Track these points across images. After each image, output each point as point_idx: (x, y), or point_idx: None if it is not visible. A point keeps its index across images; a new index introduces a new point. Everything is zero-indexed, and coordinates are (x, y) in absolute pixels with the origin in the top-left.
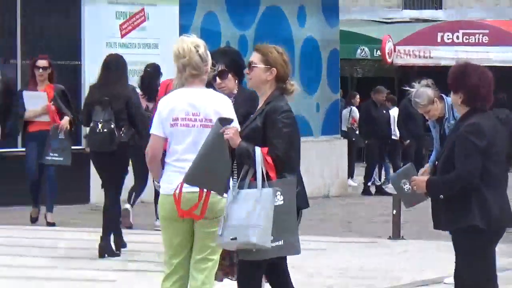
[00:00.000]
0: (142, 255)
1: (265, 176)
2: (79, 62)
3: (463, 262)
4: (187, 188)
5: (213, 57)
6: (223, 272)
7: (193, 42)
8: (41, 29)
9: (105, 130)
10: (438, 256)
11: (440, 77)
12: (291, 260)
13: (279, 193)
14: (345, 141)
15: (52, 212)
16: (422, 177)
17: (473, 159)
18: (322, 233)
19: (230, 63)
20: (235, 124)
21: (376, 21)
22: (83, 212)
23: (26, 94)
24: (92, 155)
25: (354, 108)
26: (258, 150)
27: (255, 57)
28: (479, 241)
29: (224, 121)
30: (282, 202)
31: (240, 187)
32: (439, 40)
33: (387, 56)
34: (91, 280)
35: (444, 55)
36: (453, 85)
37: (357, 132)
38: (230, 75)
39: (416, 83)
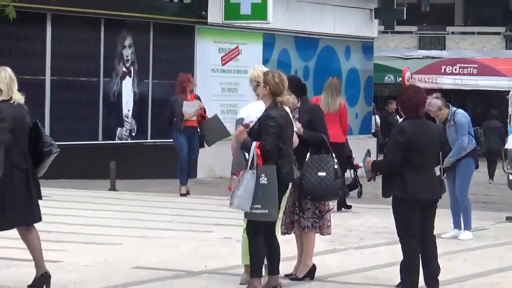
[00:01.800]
0: None
1: (255, 162)
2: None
3: (395, 221)
4: None
5: None
6: (285, 227)
7: (262, 70)
8: (167, 59)
9: None
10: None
11: (443, 95)
12: (335, 220)
13: (263, 175)
14: (375, 139)
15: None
16: (370, 159)
17: (394, 151)
18: (358, 201)
19: (293, 86)
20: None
21: (399, 57)
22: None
23: (186, 103)
24: None
25: (377, 117)
26: (254, 143)
27: (260, 79)
28: (400, 207)
29: (239, 122)
30: (266, 182)
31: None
32: (442, 71)
33: (406, 81)
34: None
35: (446, 81)
36: (397, 99)
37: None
38: (293, 95)
39: (429, 96)
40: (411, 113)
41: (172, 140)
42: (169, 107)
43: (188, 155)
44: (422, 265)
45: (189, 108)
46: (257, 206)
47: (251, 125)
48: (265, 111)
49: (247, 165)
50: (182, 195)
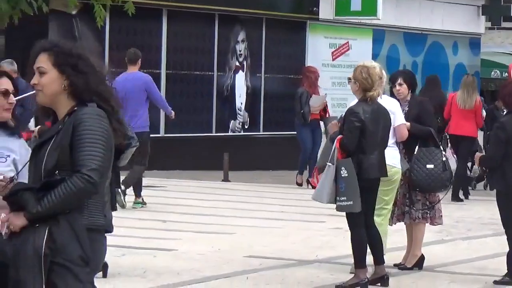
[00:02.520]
0: None
1: (335, 155)
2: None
3: (499, 213)
4: None
5: (396, 73)
6: (396, 217)
7: (372, 65)
8: (279, 54)
9: None
10: None
11: None
12: (443, 211)
13: (343, 168)
14: (481, 132)
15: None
16: (479, 154)
17: (495, 147)
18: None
19: (407, 78)
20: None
21: (505, 53)
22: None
23: (314, 97)
24: None
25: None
26: (337, 137)
27: (351, 75)
28: (503, 200)
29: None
30: (346, 174)
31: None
32: None
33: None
34: None
35: None
36: (499, 94)
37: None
38: (405, 85)
39: None
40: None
41: (295, 133)
42: (297, 99)
43: (312, 148)
44: None
45: (316, 102)
46: (342, 198)
47: None
48: (351, 106)
49: (330, 158)
50: (298, 184)
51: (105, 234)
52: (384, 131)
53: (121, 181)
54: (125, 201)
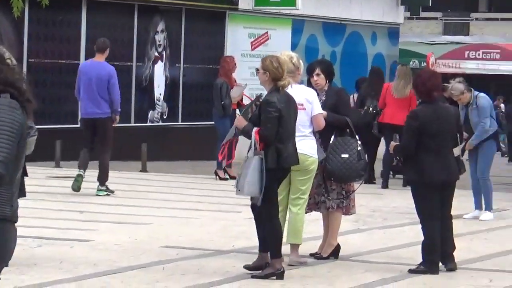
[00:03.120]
0: None
1: (257, 147)
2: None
3: (414, 203)
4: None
5: (313, 64)
6: (309, 207)
7: (288, 54)
8: (198, 44)
9: None
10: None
11: (466, 80)
12: (359, 201)
13: (264, 159)
14: None
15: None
16: (394, 143)
17: (408, 136)
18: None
19: (325, 68)
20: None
21: (424, 42)
22: None
23: (235, 88)
24: None
25: None
26: (254, 129)
27: (259, 65)
28: (418, 189)
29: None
30: (269, 166)
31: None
32: (466, 56)
33: (430, 66)
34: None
35: (469, 66)
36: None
37: None
38: (323, 76)
39: (452, 80)
40: (424, 97)
41: (213, 123)
42: (216, 90)
43: None
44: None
45: (236, 93)
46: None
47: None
48: (265, 96)
49: (250, 150)
50: (221, 179)
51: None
52: (294, 120)
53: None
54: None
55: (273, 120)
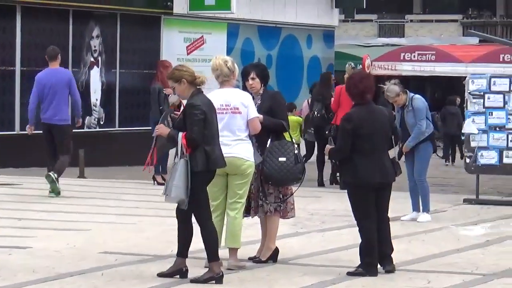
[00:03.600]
0: None
1: (184, 151)
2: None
3: (350, 205)
4: None
5: (248, 67)
6: (253, 211)
7: (223, 58)
8: (134, 49)
9: None
10: (396, 202)
11: (402, 82)
12: (297, 204)
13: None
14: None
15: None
16: (329, 146)
17: (342, 138)
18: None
19: (260, 72)
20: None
21: (359, 45)
22: None
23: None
24: None
25: None
26: (180, 134)
27: (170, 84)
28: (353, 191)
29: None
30: (197, 169)
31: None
32: (401, 58)
33: (366, 69)
34: None
35: (405, 68)
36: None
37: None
38: (258, 79)
39: (388, 82)
40: (357, 99)
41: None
42: (153, 96)
43: None
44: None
45: (174, 98)
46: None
47: (217, 112)
48: (188, 100)
49: (178, 155)
50: (159, 183)
51: None
52: (217, 122)
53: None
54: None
55: (199, 123)
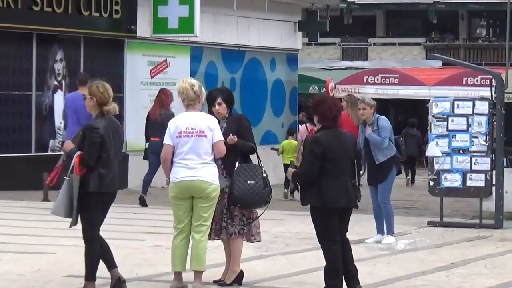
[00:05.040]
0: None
1: (73, 170)
2: (122, 94)
3: (315, 228)
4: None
5: (214, 93)
6: (214, 233)
7: (190, 82)
8: (98, 72)
9: None
10: (360, 225)
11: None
12: (261, 227)
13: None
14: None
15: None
16: (292, 169)
17: (310, 161)
18: (284, 208)
19: (226, 97)
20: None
21: (323, 68)
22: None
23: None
24: None
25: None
26: (77, 153)
27: (86, 92)
28: (318, 214)
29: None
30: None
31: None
32: (365, 81)
33: (330, 92)
34: None
35: (368, 91)
36: (312, 110)
37: None
38: (224, 105)
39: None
40: (329, 123)
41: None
42: (163, 120)
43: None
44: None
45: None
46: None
47: (182, 135)
48: (90, 122)
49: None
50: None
51: None
52: (120, 144)
53: None
54: None
55: (95, 146)
